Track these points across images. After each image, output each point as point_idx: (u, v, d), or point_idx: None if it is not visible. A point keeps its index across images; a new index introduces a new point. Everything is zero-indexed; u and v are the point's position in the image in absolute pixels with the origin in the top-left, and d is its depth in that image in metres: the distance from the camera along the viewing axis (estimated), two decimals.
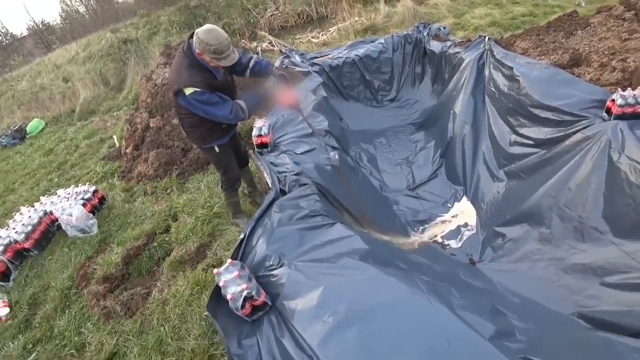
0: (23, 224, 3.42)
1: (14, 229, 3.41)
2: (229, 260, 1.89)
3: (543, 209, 2.47)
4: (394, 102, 5.24)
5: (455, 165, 3.71)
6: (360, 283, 1.73)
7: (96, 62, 10.74)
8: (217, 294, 1.85)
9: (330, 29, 8.17)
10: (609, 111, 2.38)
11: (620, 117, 2.30)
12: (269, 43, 8.07)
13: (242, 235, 2.18)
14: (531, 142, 2.96)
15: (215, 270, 1.84)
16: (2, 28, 23.18)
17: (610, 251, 2.05)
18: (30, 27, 21.75)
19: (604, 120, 2.40)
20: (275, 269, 1.93)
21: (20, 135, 7.68)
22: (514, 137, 3.16)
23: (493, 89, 3.49)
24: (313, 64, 5.10)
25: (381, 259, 1.96)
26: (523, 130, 3.05)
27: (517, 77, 3.13)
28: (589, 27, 3.52)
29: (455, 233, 3.17)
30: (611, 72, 2.71)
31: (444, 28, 5.17)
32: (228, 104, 2.29)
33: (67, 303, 2.76)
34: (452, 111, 3.99)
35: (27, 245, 3.36)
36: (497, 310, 1.84)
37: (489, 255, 2.80)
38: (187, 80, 2.15)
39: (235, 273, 1.79)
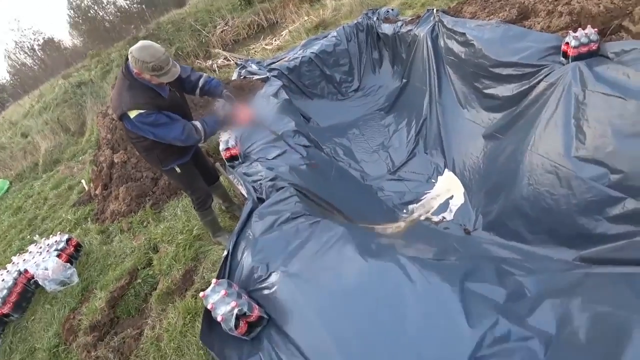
0: None
1: None
2: (214, 281, 1.77)
3: (522, 164, 2.44)
4: (359, 91, 5.20)
5: (431, 140, 3.68)
6: (352, 276, 1.64)
7: (52, 110, 10.41)
8: (210, 319, 1.73)
9: (282, 33, 8.15)
10: (565, 55, 2.37)
11: (577, 57, 2.29)
12: (224, 59, 7.97)
13: (225, 252, 2.07)
14: (500, 102, 2.94)
15: (201, 294, 1.72)
16: None
17: (589, 189, 2.01)
18: None
19: (563, 65, 2.39)
20: (265, 279, 1.83)
21: None
22: (482, 100, 3.14)
23: (452, 58, 3.47)
24: (271, 70, 5.02)
25: (371, 248, 1.87)
26: (490, 91, 3.03)
27: (472, 42, 3.11)
28: None
29: (445, 206, 3.12)
30: (559, 18, 2.72)
31: (392, 10, 5.18)
32: (178, 124, 2.12)
33: None
34: (417, 88, 3.96)
35: (5, 310, 3.14)
36: (503, 271, 1.77)
37: (482, 222, 2.77)
38: (130, 102, 2.02)
39: (222, 292, 1.67)
